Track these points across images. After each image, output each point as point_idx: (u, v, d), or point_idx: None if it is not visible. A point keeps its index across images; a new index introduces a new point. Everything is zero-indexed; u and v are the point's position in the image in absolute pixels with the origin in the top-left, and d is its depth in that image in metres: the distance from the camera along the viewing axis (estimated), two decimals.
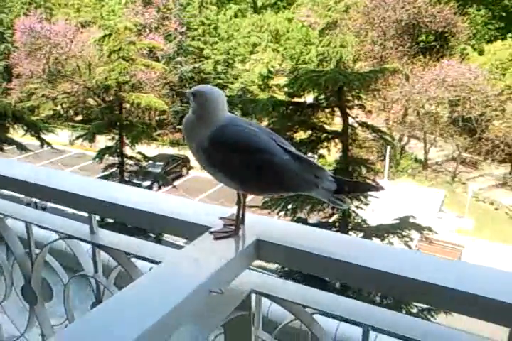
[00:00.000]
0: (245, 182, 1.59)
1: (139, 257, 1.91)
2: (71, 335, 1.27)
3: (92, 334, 1.24)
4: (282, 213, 12.52)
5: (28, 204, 13.44)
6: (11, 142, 16.91)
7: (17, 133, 17.75)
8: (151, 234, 14.80)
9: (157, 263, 1.80)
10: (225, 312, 1.59)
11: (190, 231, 1.66)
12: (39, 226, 2.16)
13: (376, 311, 1.58)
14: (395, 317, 1.56)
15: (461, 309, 1.36)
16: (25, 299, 2.29)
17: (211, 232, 1.62)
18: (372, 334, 1.57)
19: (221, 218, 1.70)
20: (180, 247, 1.68)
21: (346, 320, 2.43)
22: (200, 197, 25.21)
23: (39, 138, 17.15)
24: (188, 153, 30.97)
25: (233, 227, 1.65)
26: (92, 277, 2.06)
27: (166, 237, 15.68)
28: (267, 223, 1.75)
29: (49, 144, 17.63)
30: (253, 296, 1.68)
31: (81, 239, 2.06)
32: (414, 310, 11.11)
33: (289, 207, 12.48)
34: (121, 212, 1.84)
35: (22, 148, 16.94)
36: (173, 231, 1.78)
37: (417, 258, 1.56)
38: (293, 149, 1.61)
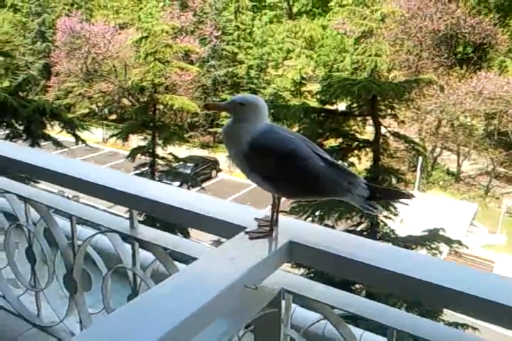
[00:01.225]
0: (282, 186, 1.67)
1: (176, 252, 2.00)
2: (110, 324, 1.36)
3: (129, 325, 1.32)
4: (310, 219, 12.50)
5: None
6: (48, 138, 17.33)
7: (53, 130, 18.22)
8: (179, 234, 14.97)
9: (193, 259, 1.88)
10: (256, 309, 1.67)
11: (227, 230, 1.75)
12: (82, 219, 2.28)
13: (403, 316, 1.63)
14: (422, 322, 1.60)
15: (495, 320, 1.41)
16: (66, 287, 2.41)
17: (247, 232, 1.71)
18: None
19: (256, 219, 1.79)
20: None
21: (370, 328, 2.48)
22: (228, 199, 25.37)
23: (74, 135, 17.51)
24: (217, 155, 31.28)
25: (267, 228, 1.73)
26: (130, 269, 2.16)
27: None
28: (299, 226, 1.83)
29: (84, 141, 17.99)
30: (283, 295, 1.75)
31: (121, 233, 2.17)
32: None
33: (317, 213, 12.45)
34: (161, 209, 1.94)
35: (57, 144, 17.34)
36: (210, 229, 1.87)
37: (448, 268, 1.60)
38: (328, 156, 1.69)
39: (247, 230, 1.72)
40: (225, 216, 1.81)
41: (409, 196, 1.75)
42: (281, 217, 1.78)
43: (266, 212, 1.87)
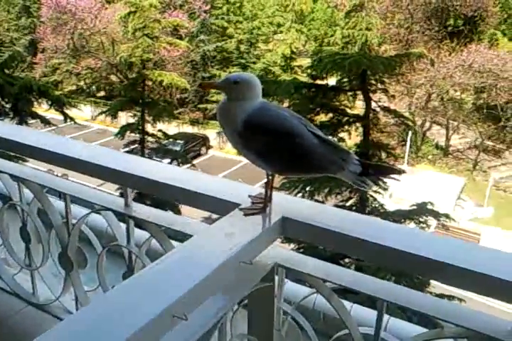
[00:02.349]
0: (276, 163, 1.69)
1: (170, 230, 2.02)
2: (109, 301, 1.38)
3: (128, 301, 1.35)
4: (300, 195, 12.58)
5: None
6: (35, 116, 17.12)
7: (41, 108, 17.99)
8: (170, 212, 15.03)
9: (188, 236, 1.90)
10: (250, 284, 1.70)
11: (221, 207, 1.78)
12: (76, 198, 2.29)
13: (393, 288, 1.67)
14: (411, 294, 1.65)
15: (473, 288, 1.46)
16: (62, 266, 2.43)
17: (241, 209, 1.73)
18: (385, 317, 1.67)
19: (250, 196, 1.81)
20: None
21: (358, 302, 2.54)
22: (219, 176, 25.40)
23: (63, 112, 17.30)
24: (207, 132, 31.14)
25: (261, 205, 1.75)
26: (126, 247, 2.18)
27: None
28: (292, 202, 1.85)
29: (72, 119, 17.77)
30: (277, 270, 1.79)
31: (116, 211, 2.18)
32: None
33: (307, 189, 12.52)
34: (155, 187, 1.95)
35: (46, 122, 17.14)
36: (204, 206, 1.88)
37: (430, 239, 1.64)
38: (321, 133, 1.71)
39: (241, 207, 1.74)
40: (219, 193, 1.82)
41: (400, 172, 1.78)
42: (274, 193, 1.80)
43: (258, 188, 1.90)
